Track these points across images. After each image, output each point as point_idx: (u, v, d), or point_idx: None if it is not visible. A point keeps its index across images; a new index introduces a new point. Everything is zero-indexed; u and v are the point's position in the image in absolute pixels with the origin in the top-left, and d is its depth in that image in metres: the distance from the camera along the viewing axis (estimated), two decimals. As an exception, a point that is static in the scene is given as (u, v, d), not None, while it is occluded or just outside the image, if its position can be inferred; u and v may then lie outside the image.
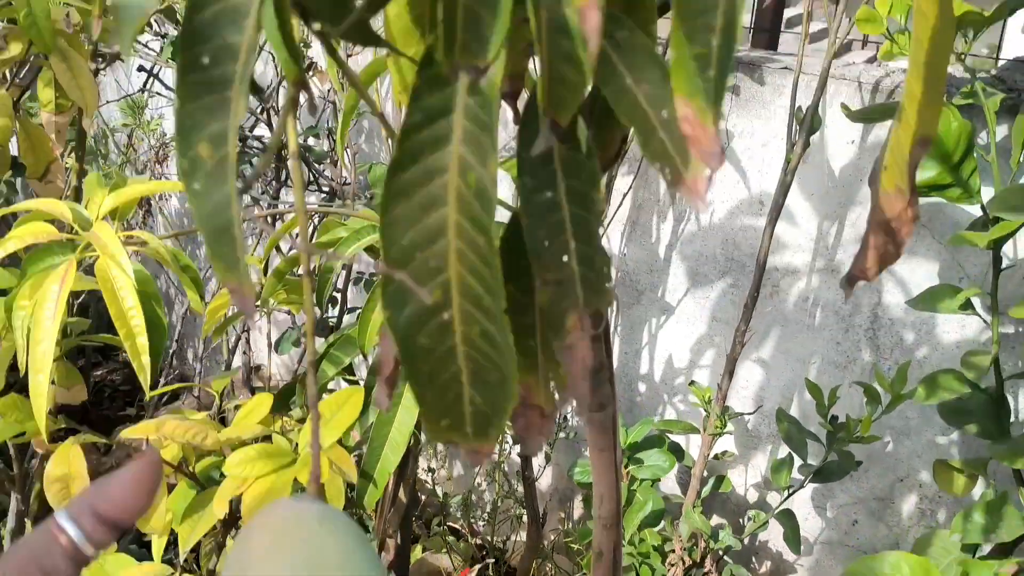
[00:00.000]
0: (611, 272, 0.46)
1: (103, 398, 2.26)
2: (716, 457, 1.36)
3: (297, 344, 1.55)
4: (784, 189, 1.15)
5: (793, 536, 1.21)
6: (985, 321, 1.07)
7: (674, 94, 0.41)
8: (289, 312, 1.66)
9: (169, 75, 1.66)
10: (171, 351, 1.94)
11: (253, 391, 1.51)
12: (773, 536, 1.53)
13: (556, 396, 0.53)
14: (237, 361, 1.74)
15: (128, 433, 0.91)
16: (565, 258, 0.49)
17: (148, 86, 1.59)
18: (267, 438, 0.99)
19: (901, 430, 1.33)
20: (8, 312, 0.86)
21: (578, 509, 1.74)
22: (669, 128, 0.43)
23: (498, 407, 0.45)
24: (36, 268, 0.86)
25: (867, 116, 1.03)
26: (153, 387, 0.86)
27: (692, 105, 0.41)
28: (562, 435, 1.67)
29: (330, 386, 1.19)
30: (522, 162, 0.47)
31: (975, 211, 1.08)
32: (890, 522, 1.38)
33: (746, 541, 1.40)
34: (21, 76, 1.08)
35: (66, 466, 0.89)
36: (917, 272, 1.26)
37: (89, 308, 2.31)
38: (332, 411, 0.92)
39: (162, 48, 1.39)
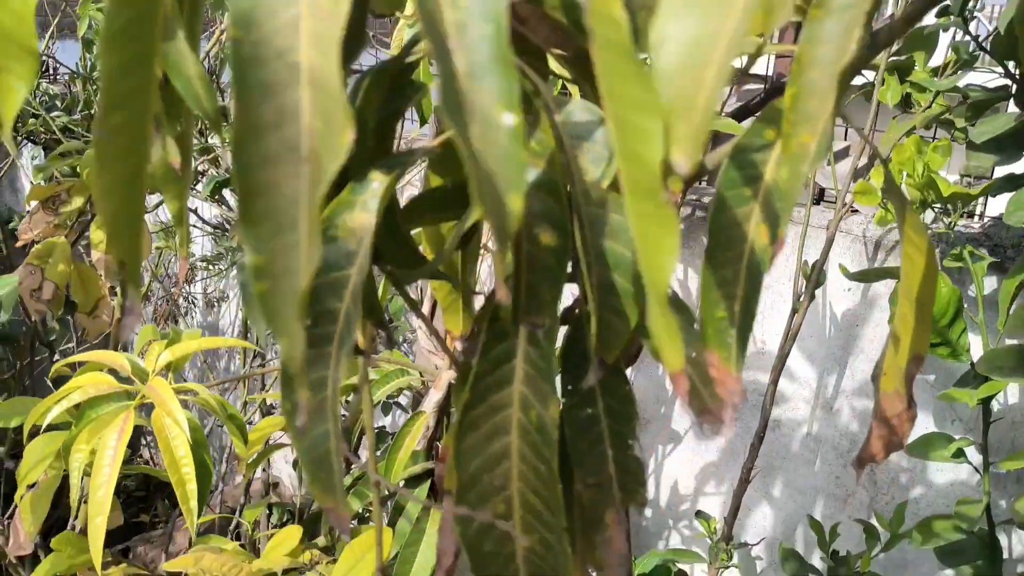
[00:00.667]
0: (645, 474, 0.53)
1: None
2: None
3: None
4: (791, 337, 1.22)
5: (797, 672, 1.25)
6: (978, 470, 1.14)
7: (706, 346, 0.48)
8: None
9: (203, 208, 1.76)
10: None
11: (271, 508, 1.57)
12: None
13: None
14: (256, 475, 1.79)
15: (169, 566, 0.96)
16: (603, 464, 0.56)
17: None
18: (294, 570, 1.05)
19: (899, 563, 1.38)
20: (66, 454, 0.93)
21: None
22: (696, 366, 0.51)
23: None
24: (94, 412, 0.93)
25: (864, 277, 1.12)
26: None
27: (718, 355, 0.48)
28: None
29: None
30: (565, 384, 0.55)
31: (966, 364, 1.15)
32: (891, 655, 1.42)
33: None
34: (79, 222, 1.17)
35: (111, 603, 0.94)
36: (912, 413, 1.33)
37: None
38: (362, 551, 0.98)
39: (203, 185, 1.49)
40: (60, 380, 1.01)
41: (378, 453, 1.63)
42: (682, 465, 1.59)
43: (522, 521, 0.51)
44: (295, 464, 1.63)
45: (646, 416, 1.62)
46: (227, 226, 1.68)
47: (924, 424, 1.31)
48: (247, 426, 1.01)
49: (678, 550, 1.41)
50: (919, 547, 1.07)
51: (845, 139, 1.57)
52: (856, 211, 1.34)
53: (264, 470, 1.70)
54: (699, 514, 1.40)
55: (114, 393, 0.92)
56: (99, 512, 0.85)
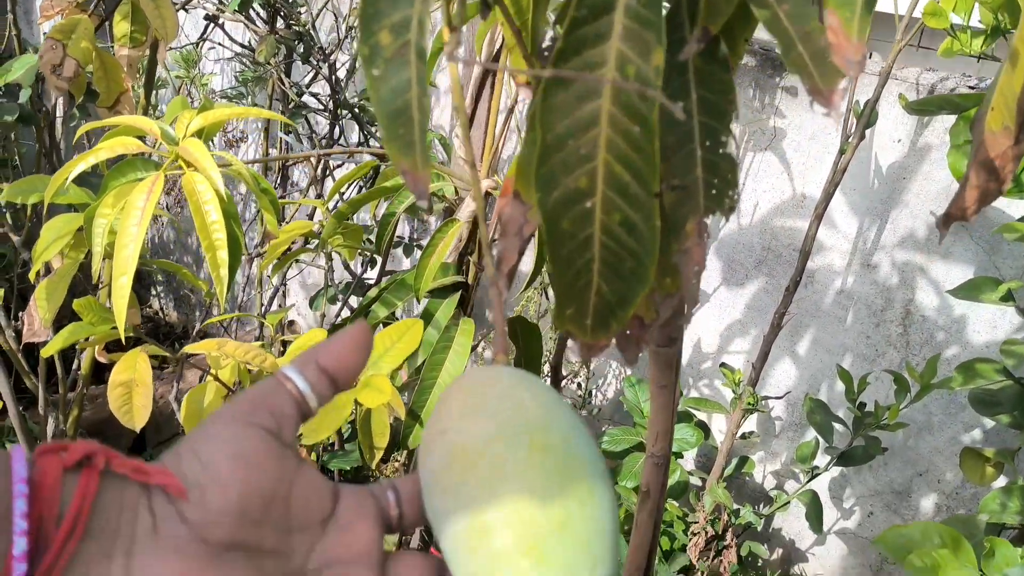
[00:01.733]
0: (737, 178, 0.50)
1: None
2: (743, 437, 1.39)
3: (333, 301, 1.58)
4: (837, 178, 1.18)
5: (816, 516, 1.24)
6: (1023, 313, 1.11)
7: (825, 5, 0.44)
8: (326, 269, 1.69)
9: (231, 28, 1.70)
10: (205, 306, 1.97)
11: (284, 346, 1.54)
12: (787, 524, 1.56)
13: (657, 306, 0.56)
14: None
15: (191, 348, 0.94)
16: (690, 165, 0.52)
17: (207, 34, 1.62)
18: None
19: (923, 425, 1.37)
20: (88, 222, 0.89)
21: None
22: (808, 41, 0.46)
23: (626, 297, 0.48)
24: (119, 182, 0.89)
25: (924, 107, 1.07)
26: (204, 318, 0.89)
27: (839, 15, 0.44)
28: (583, 412, 1.70)
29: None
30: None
31: (1013, 213, 1.11)
32: (906, 515, 1.41)
33: (761, 525, 1.43)
34: (100, 8, 1.11)
35: (132, 372, 0.92)
36: (953, 272, 1.29)
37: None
38: (392, 340, 0.95)
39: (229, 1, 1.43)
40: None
41: (406, 264, 1.60)
42: (706, 323, 1.56)
43: (604, 200, 0.47)
44: (311, 301, 1.60)
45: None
46: (252, 47, 1.62)
47: (965, 273, 1.28)
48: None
49: (699, 399, 1.39)
50: (960, 387, 1.05)
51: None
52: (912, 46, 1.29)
53: (280, 306, 1.67)
54: (723, 365, 1.37)
55: (138, 159, 0.88)
56: (124, 271, 0.82)
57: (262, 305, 1.54)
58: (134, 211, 0.83)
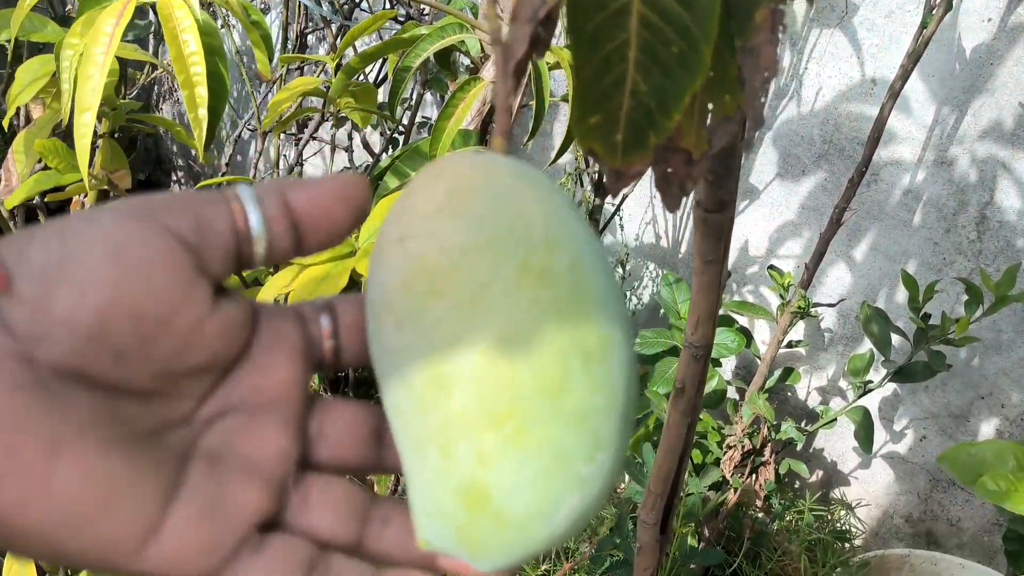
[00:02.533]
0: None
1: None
2: (789, 345, 1.28)
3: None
4: (918, 49, 1.03)
5: (866, 435, 1.13)
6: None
7: None
8: (347, 149, 1.58)
9: None
10: (222, 171, 1.87)
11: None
12: (829, 444, 1.45)
13: (708, 136, 0.44)
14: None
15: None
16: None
17: None
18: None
19: (991, 344, 1.24)
20: (57, 55, 0.79)
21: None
22: None
23: (670, 97, 0.36)
24: (91, 5, 0.78)
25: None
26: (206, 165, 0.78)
27: None
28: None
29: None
30: None
31: None
32: (962, 441, 1.30)
33: (802, 443, 1.33)
34: None
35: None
36: (1040, 171, 1.15)
37: (137, 143, 2.24)
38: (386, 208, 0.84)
39: None
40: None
41: (423, 132, 1.49)
42: (754, 223, 1.43)
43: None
44: (332, 150, 1.50)
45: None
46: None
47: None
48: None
49: (742, 303, 1.27)
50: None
51: None
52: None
53: (300, 164, 1.57)
54: (771, 268, 1.25)
55: (114, -20, 0.76)
56: (87, 106, 0.72)
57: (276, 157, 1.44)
58: (101, 36, 0.72)
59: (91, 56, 0.72)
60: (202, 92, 0.72)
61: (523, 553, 0.29)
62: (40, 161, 0.96)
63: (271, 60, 0.80)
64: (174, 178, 2.46)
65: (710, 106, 0.43)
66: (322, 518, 0.31)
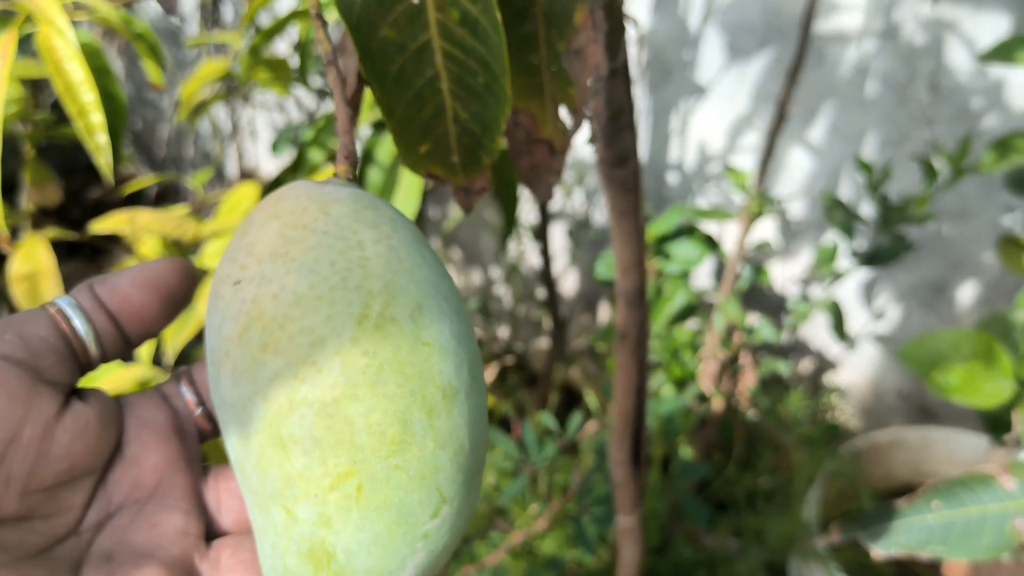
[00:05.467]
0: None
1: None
2: (756, 249, 1.29)
3: (293, 143, 1.47)
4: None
5: (838, 325, 1.15)
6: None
7: None
8: (281, 110, 1.57)
9: None
10: (163, 158, 1.87)
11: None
12: (812, 332, 1.48)
13: (566, 126, 0.45)
14: (230, 167, 1.66)
15: (99, 224, 0.84)
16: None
17: None
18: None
19: (958, 212, 1.25)
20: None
21: (604, 313, 1.70)
22: None
23: (489, 121, 0.37)
24: (-30, 38, 0.77)
25: None
26: (117, 178, 0.79)
27: None
28: (590, 234, 1.60)
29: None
30: None
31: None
32: (943, 312, 1.32)
33: (784, 337, 1.35)
34: None
35: (33, 262, 0.83)
36: (985, 28, 1.14)
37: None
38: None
39: None
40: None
41: None
42: (709, 121, 1.43)
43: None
44: (273, 146, 1.49)
45: (666, 66, 1.44)
46: None
47: (999, 29, 1.12)
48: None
49: (701, 210, 1.28)
50: (990, 170, 0.93)
51: None
52: None
53: (240, 157, 1.57)
54: (729, 170, 1.26)
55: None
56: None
57: (220, 157, 1.44)
58: (-17, 74, 0.72)
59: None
60: (97, 119, 0.73)
61: None
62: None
63: (163, 68, 0.80)
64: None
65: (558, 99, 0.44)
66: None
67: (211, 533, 0.34)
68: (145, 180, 0.99)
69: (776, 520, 1.10)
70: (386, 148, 0.96)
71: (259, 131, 1.95)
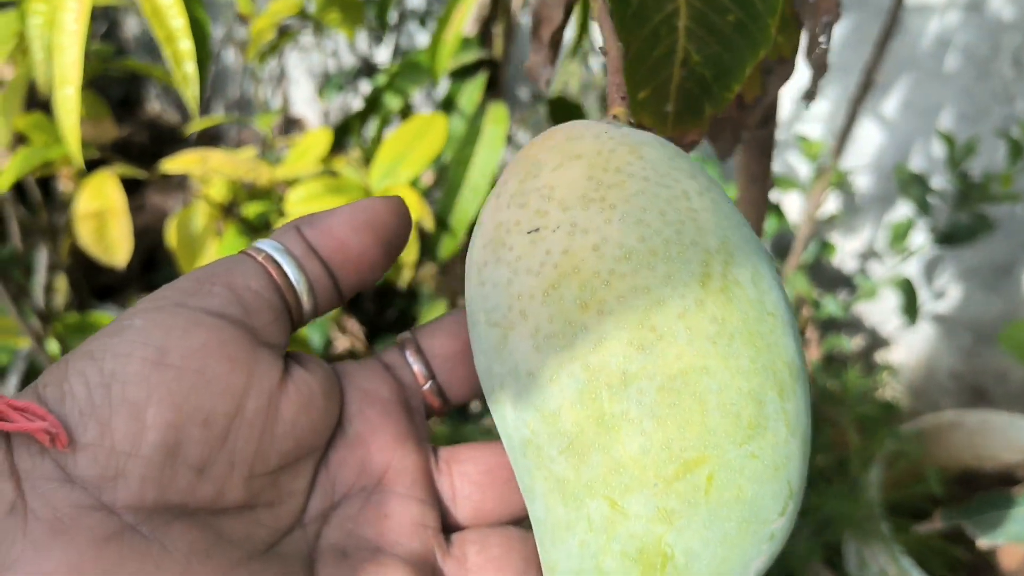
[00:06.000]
0: None
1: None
2: (824, 221, 1.26)
3: (341, 89, 1.43)
4: None
5: (910, 303, 1.12)
6: None
7: None
8: (329, 54, 1.52)
9: None
10: (206, 98, 1.82)
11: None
12: (867, 309, 1.45)
13: (760, 77, 0.42)
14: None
15: (170, 164, 0.81)
16: None
17: None
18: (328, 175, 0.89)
19: (1033, 193, 1.22)
20: (22, 17, 0.75)
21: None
22: None
23: (730, 65, 0.33)
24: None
25: None
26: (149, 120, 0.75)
27: None
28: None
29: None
30: None
31: None
32: (1007, 295, 1.29)
33: (845, 316, 1.32)
34: None
35: (101, 199, 0.79)
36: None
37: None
38: (408, 143, 0.81)
39: None
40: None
41: (425, 40, 1.44)
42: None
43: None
44: (320, 92, 1.45)
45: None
46: None
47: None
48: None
49: (775, 178, 1.24)
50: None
51: None
52: None
53: (284, 102, 1.52)
54: (800, 139, 1.22)
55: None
56: (67, 80, 0.68)
57: (266, 102, 1.40)
58: (68, 3, 0.68)
59: (62, 26, 0.68)
60: (185, 46, 0.69)
61: None
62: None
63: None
64: (154, 91, 2.39)
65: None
66: None
67: (446, 527, 0.30)
68: (214, 119, 0.95)
69: (836, 500, 1.08)
70: (468, 96, 0.92)
71: (295, 77, 1.90)
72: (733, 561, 0.24)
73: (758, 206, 0.63)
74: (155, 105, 2.39)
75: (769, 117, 0.56)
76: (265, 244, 0.28)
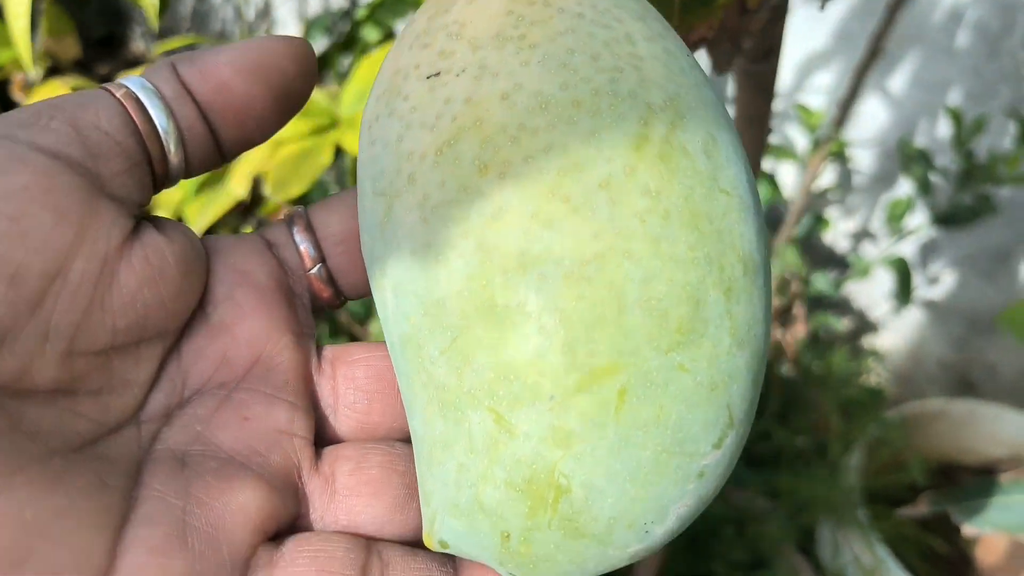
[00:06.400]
0: None
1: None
2: (819, 195, 1.21)
3: (328, 31, 1.37)
4: None
5: (904, 284, 1.08)
6: None
7: None
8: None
9: None
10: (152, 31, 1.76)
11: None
12: (857, 290, 1.41)
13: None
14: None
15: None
16: None
17: None
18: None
19: (1037, 179, 1.17)
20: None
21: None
22: None
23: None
24: None
25: None
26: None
27: None
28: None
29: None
30: None
31: None
32: (1002, 283, 1.25)
33: (835, 295, 1.28)
34: None
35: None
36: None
37: None
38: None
39: None
40: None
41: None
42: (782, 56, 1.33)
43: None
44: (306, 32, 1.39)
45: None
46: None
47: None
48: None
49: (770, 146, 1.20)
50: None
51: None
52: None
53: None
54: (800, 107, 1.17)
55: None
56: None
57: (250, 33, 1.34)
58: None
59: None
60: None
61: None
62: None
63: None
64: (138, 32, 2.33)
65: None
66: (363, 503, 0.24)
67: (322, 439, 0.25)
68: (175, 41, 0.89)
69: (814, 484, 1.04)
70: None
71: (281, 17, 1.84)
72: (647, 502, 0.19)
73: (756, 149, 0.58)
74: (139, 44, 2.32)
75: (771, 50, 0.51)
76: (130, 81, 0.23)
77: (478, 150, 0.19)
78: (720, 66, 0.37)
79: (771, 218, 1.43)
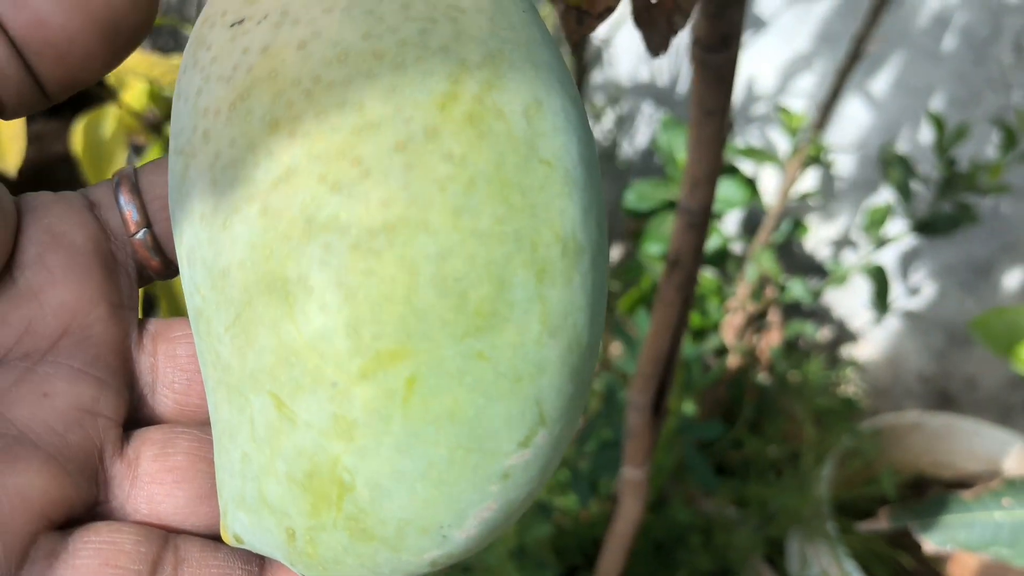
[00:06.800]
0: None
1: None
2: (799, 200, 1.19)
3: None
4: None
5: (881, 293, 1.06)
6: None
7: None
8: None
9: None
10: None
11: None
12: (836, 300, 1.39)
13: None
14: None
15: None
16: None
17: None
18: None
19: (1020, 188, 1.15)
20: None
21: (614, 254, 1.60)
22: None
23: None
24: None
25: None
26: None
27: None
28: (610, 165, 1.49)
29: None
30: None
31: None
32: (984, 295, 1.23)
33: (812, 303, 1.26)
34: None
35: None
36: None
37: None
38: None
39: None
40: None
41: None
42: (762, 57, 1.31)
43: None
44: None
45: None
46: None
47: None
48: None
49: (748, 148, 1.17)
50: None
51: None
52: None
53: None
54: (781, 110, 1.15)
55: None
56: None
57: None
58: None
59: None
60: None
61: None
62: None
63: None
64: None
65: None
66: (165, 492, 0.21)
67: (136, 420, 0.23)
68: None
69: (784, 494, 1.02)
70: None
71: None
72: (441, 504, 0.17)
73: (713, 146, 0.56)
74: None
75: (730, 39, 0.49)
76: None
77: (269, 105, 0.17)
78: (654, 47, 0.35)
79: (752, 222, 1.41)
